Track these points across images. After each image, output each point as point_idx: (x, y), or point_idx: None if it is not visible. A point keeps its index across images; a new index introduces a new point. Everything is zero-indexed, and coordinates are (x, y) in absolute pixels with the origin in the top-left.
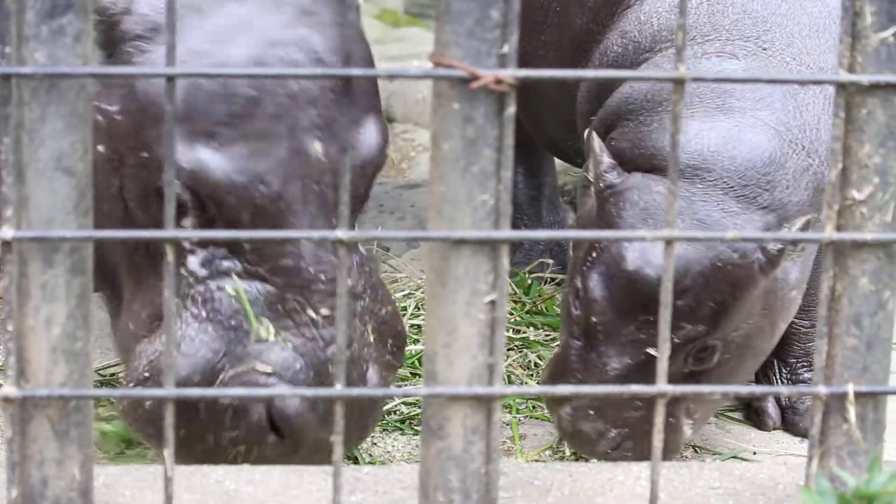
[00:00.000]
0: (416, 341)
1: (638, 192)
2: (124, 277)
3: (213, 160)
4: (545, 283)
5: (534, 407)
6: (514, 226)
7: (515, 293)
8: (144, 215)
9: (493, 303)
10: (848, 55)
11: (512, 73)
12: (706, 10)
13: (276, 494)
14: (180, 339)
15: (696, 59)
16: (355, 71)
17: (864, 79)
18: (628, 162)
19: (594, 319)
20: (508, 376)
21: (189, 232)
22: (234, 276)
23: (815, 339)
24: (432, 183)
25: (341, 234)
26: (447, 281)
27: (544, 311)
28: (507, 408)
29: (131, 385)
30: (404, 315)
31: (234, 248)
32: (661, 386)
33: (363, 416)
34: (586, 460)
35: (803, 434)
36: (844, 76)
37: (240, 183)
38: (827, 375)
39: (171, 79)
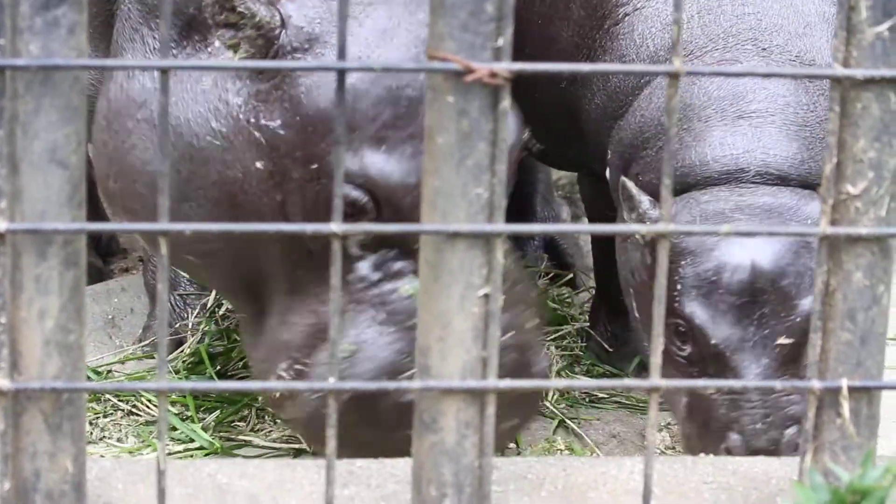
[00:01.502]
0: None
1: (687, 210)
2: (278, 290)
3: (386, 164)
4: (539, 278)
5: None
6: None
7: None
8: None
9: (486, 296)
10: (843, 49)
11: (507, 66)
12: (698, 23)
13: (269, 488)
14: (359, 344)
15: (703, 66)
16: (350, 64)
17: (859, 73)
18: (656, 191)
19: (713, 342)
20: None
21: (179, 224)
22: (410, 276)
23: (810, 333)
24: (426, 176)
25: (335, 227)
26: (441, 274)
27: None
28: None
29: (311, 396)
30: None
31: (405, 248)
32: (654, 380)
33: (516, 409)
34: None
35: None
36: (839, 70)
37: (413, 183)
38: (821, 370)
39: (164, 71)
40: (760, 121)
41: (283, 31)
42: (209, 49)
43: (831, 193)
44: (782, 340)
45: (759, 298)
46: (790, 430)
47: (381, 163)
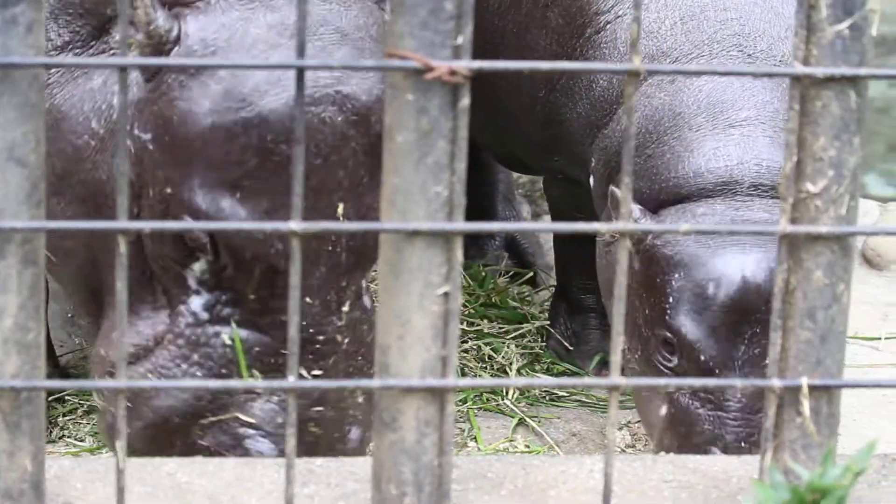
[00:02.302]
0: None
1: (681, 220)
2: (112, 304)
3: (234, 211)
4: (500, 276)
5: (487, 399)
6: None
7: (470, 286)
8: (156, 249)
9: (446, 294)
10: (803, 48)
11: (466, 64)
12: (682, 29)
13: (228, 486)
14: (168, 377)
15: (686, 80)
16: (310, 62)
17: (819, 71)
18: (651, 200)
19: (703, 358)
20: (462, 368)
21: (140, 223)
22: (234, 324)
23: (770, 332)
24: (386, 174)
25: (294, 225)
26: (400, 273)
27: (498, 303)
28: (461, 401)
29: (113, 409)
30: None
31: (238, 296)
32: (615, 378)
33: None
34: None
35: None
36: (799, 68)
37: (258, 237)
38: (781, 369)
39: (123, 69)
40: (751, 129)
41: (177, 47)
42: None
43: (791, 192)
44: None
45: (751, 317)
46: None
47: (229, 208)
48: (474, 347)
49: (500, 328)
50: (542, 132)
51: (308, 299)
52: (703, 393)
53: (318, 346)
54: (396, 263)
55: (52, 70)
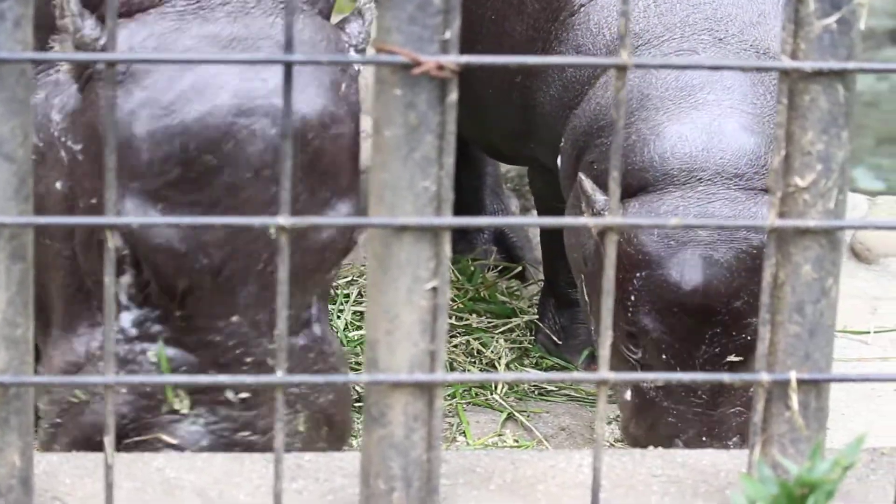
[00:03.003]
0: (358, 328)
1: (647, 219)
2: (54, 322)
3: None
4: (488, 271)
5: (476, 394)
6: (457, 214)
7: (458, 280)
8: (87, 263)
9: (434, 289)
10: (791, 42)
11: (454, 59)
12: (654, 12)
13: (217, 482)
14: (94, 395)
15: (652, 58)
16: (295, 57)
17: (807, 65)
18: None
19: (664, 357)
20: (451, 363)
21: (129, 218)
22: (161, 342)
23: (759, 326)
24: (374, 169)
25: (282, 220)
26: (389, 268)
27: (487, 298)
28: (449, 396)
29: (45, 426)
30: (347, 302)
31: (166, 313)
32: (603, 373)
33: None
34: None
35: None
36: (787, 63)
37: (180, 251)
38: (769, 363)
39: (111, 65)
40: (718, 112)
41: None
42: (55, 70)
43: (780, 186)
44: (731, 358)
45: (713, 318)
46: (732, 443)
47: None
48: (463, 342)
49: (488, 323)
50: (518, 118)
51: (236, 318)
52: (666, 386)
53: (244, 367)
54: (384, 258)
55: None
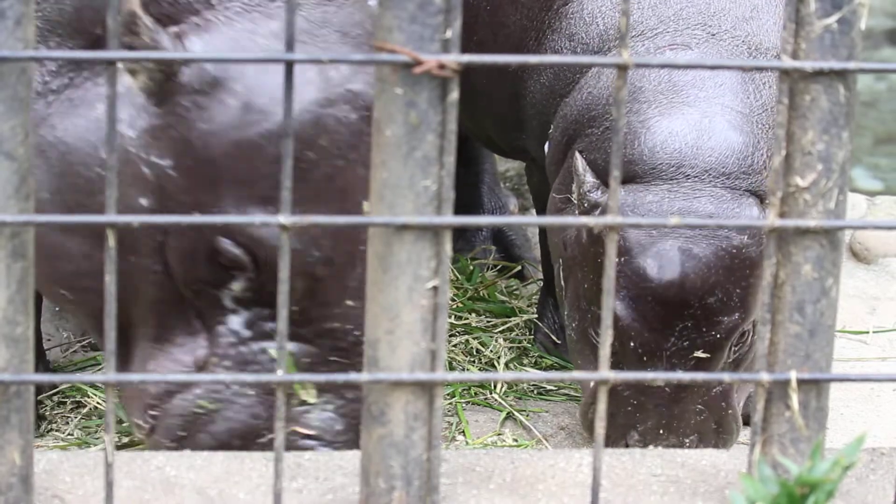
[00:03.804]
0: None
1: (631, 208)
2: (144, 335)
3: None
4: (487, 270)
5: (475, 393)
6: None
7: (458, 279)
8: (188, 274)
9: (435, 289)
10: (792, 41)
11: (455, 58)
12: (649, 4)
13: (217, 480)
14: (221, 400)
15: (652, 55)
16: (298, 56)
17: (808, 65)
18: (605, 173)
19: (632, 344)
20: (450, 363)
21: (129, 217)
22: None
23: (758, 326)
24: (374, 168)
25: (283, 218)
26: (389, 267)
27: (486, 297)
28: (449, 395)
29: (164, 441)
30: None
31: (275, 312)
32: (604, 372)
33: None
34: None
35: (746, 421)
36: (788, 62)
37: (296, 249)
38: (770, 362)
39: (110, 63)
40: (709, 109)
41: (187, 68)
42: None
43: (780, 186)
44: (699, 354)
45: (685, 312)
46: (689, 439)
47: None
48: (462, 341)
49: (487, 322)
50: (510, 107)
51: (349, 301)
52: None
53: (362, 347)
54: (385, 257)
55: (51, 100)
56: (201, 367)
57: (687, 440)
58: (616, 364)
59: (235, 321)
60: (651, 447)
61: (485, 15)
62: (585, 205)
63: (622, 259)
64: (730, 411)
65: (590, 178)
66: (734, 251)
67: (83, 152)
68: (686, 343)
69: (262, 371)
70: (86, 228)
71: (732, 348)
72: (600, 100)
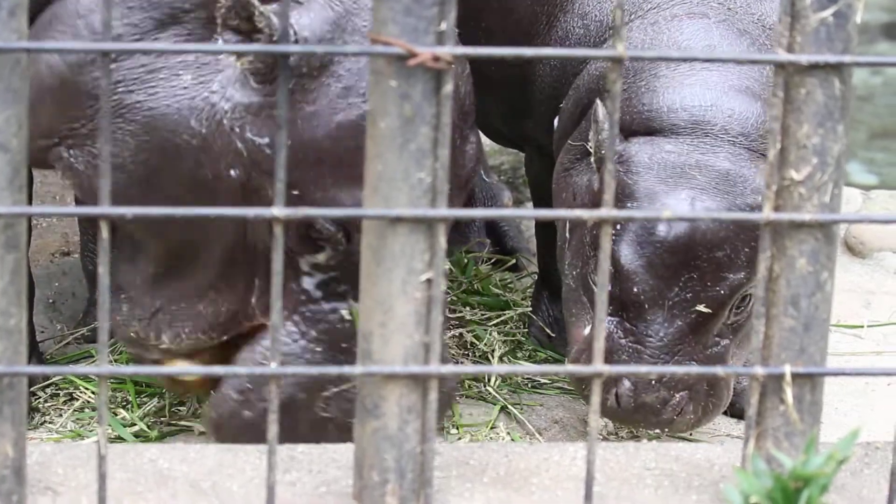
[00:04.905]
0: None
1: (648, 154)
2: (209, 265)
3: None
4: (482, 263)
5: (469, 386)
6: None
7: (452, 272)
8: (270, 240)
9: (429, 281)
10: (787, 35)
11: (449, 50)
12: None
13: (210, 473)
14: (287, 355)
15: (669, 23)
16: (293, 47)
17: (804, 58)
18: (622, 128)
19: (636, 290)
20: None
21: (122, 209)
22: (351, 301)
23: (753, 319)
24: (369, 161)
25: (277, 211)
26: (383, 259)
27: (480, 290)
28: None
29: (234, 394)
30: None
31: (352, 275)
32: (598, 366)
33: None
34: (524, 440)
35: (740, 415)
36: (783, 56)
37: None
38: (764, 356)
39: (105, 54)
40: (727, 73)
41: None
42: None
43: (775, 179)
44: (701, 308)
45: (692, 262)
46: (679, 395)
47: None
48: (456, 335)
49: (482, 315)
50: (519, 93)
51: None
52: (627, 324)
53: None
54: (379, 250)
55: (127, 66)
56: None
57: (677, 395)
58: (616, 311)
59: (308, 282)
60: (641, 396)
61: (494, 2)
62: (602, 152)
63: (635, 203)
64: (723, 376)
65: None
66: (747, 209)
67: (169, 118)
68: (689, 294)
69: (330, 329)
70: (168, 188)
71: (733, 310)
72: None
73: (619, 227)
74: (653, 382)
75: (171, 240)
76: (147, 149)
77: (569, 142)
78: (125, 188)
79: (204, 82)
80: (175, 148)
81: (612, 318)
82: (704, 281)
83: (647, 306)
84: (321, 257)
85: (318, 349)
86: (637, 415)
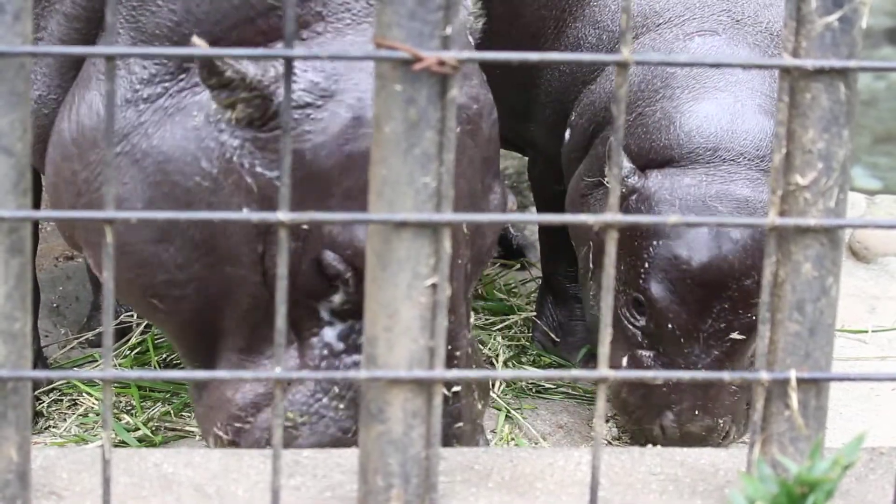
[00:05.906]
0: None
1: (669, 191)
2: (233, 347)
3: None
4: (486, 267)
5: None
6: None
7: None
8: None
9: (434, 286)
10: (792, 39)
11: (454, 54)
12: None
13: (214, 477)
14: (309, 413)
15: (681, 42)
16: (298, 52)
17: (809, 63)
18: (640, 158)
19: (670, 326)
20: None
21: (126, 213)
22: None
23: (759, 325)
24: (374, 165)
25: (282, 216)
26: (388, 263)
27: (485, 295)
28: None
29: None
30: None
31: None
32: (603, 371)
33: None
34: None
35: None
36: (789, 60)
37: None
38: (769, 361)
39: (110, 58)
40: (740, 93)
41: (293, 84)
42: (202, 90)
43: (780, 184)
44: (735, 336)
45: (723, 294)
46: (723, 420)
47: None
48: None
49: (486, 320)
50: (522, 97)
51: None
52: (665, 357)
53: (455, 362)
54: (384, 254)
55: (142, 108)
56: (291, 380)
57: (721, 421)
58: (653, 346)
59: (330, 333)
60: (686, 426)
61: (499, 7)
62: (624, 190)
63: (659, 242)
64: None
65: (627, 163)
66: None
67: (181, 161)
68: (723, 325)
69: (353, 384)
70: (183, 238)
71: None
72: (632, 86)
73: (648, 265)
74: (696, 412)
75: (194, 330)
76: (159, 197)
77: (584, 169)
78: (144, 241)
79: (212, 121)
80: (185, 193)
81: (648, 353)
82: (736, 310)
83: (682, 341)
84: (336, 299)
85: (342, 406)
86: (684, 445)
